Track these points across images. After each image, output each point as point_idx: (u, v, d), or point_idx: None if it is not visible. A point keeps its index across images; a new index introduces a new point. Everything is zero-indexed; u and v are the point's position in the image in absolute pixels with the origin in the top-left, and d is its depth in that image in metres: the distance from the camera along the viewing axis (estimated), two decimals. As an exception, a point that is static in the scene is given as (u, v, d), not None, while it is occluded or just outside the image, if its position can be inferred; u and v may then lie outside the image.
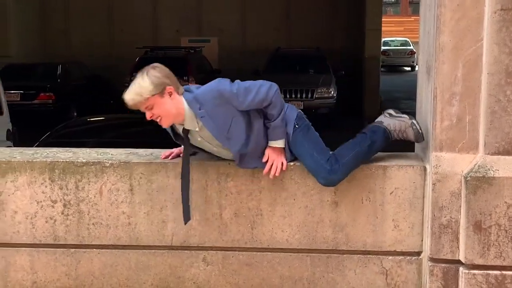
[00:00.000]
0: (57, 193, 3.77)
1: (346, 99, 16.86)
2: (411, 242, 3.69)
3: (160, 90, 3.36)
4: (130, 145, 4.17)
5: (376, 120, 3.74)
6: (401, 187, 3.65)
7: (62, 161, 3.77)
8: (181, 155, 3.77)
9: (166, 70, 3.46)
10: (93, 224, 3.79)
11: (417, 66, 4.54)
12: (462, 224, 3.49)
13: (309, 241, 3.73)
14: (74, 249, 3.84)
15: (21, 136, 10.17)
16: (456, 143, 3.48)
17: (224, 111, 3.42)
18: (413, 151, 3.98)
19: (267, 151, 3.60)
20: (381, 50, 23.02)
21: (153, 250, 3.81)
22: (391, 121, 3.67)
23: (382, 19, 19.68)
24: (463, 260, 3.51)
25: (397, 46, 34.42)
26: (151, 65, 3.45)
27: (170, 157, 3.77)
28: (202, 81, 17.56)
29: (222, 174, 3.70)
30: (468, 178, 3.43)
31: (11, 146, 8.98)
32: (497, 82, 3.39)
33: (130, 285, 3.85)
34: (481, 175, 3.41)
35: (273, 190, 3.69)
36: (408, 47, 34.00)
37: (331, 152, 3.59)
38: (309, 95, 15.45)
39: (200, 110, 3.41)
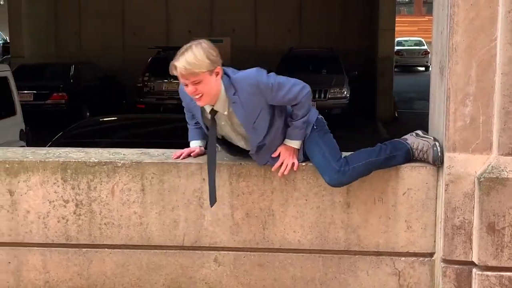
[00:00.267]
0: (69, 193, 3.78)
1: (359, 100, 16.82)
2: (424, 243, 3.67)
3: (213, 68, 3.34)
4: (142, 146, 4.18)
5: (402, 137, 3.73)
6: (414, 188, 3.63)
7: (74, 161, 3.78)
8: (192, 154, 3.77)
9: (216, 49, 3.41)
10: (105, 224, 3.79)
11: (430, 66, 4.52)
12: (475, 225, 3.47)
13: (321, 242, 3.72)
14: (86, 249, 3.85)
15: (34, 136, 10.21)
16: (469, 143, 3.46)
17: (256, 101, 3.42)
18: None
19: (280, 148, 3.60)
20: (395, 50, 22.95)
21: (165, 250, 3.81)
22: (415, 140, 3.66)
23: (396, 19, 19.60)
24: (476, 262, 3.49)
25: (411, 46, 34.30)
26: (202, 40, 3.39)
27: (181, 157, 3.77)
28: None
29: (233, 175, 3.69)
30: (482, 179, 3.40)
31: (24, 146, 9.01)
32: (511, 83, 3.36)
33: (142, 285, 3.85)
34: (494, 176, 3.38)
35: (285, 191, 3.68)
36: (422, 47, 33.87)
37: (344, 156, 3.57)
38: (322, 96, 15.43)
39: (234, 95, 3.40)
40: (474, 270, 3.52)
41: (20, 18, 18.97)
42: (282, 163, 3.59)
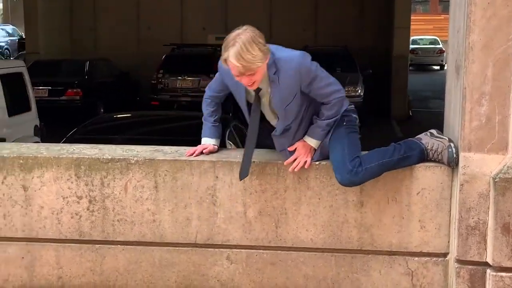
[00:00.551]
0: (82, 189, 3.79)
1: (373, 98, 16.76)
2: (438, 243, 3.65)
3: (266, 58, 3.33)
4: (155, 142, 4.18)
5: (416, 137, 3.70)
6: (428, 188, 3.60)
7: (88, 158, 3.79)
8: (204, 151, 3.75)
9: (261, 34, 3.36)
10: (118, 220, 3.80)
11: (446, 65, 4.48)
12: (490, 225, 3.44)
13: (334, 241, 3.70)
14: (99, 245, 3.85)
15: (49, 132, 10.27)
16: (485, 143, 3.43)
17: (294, 84, 3.42)
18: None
19: (298, 144, 3.60)
20: (410, 48, 22.85)
21: (177, 248, 3.81)
22: (430, 140, 3.63)
23: (411, 17, 19.52)
24: (490, 262, 3.46)
25: (426, 44, 34.14)
26: (246, 29, 3.32)
27: (194, 154, 3.77)
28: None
29: (247, 172, 3.68)
30: (497, 179, 3.37)
31: (38, 142, 9.06)
32: (528, 82, 3.33)
33: (154, 282, 3.85)
34: (510, 176, 3.35)
35: (298, 189, 3.67)
36: (437, 46, 33.71)
37: (358, 156, 3.55)
38: (336, 94, 15.37)
39: (274, 74, 3.40)
40: (488, 271, 3.49)
41: (35, 14, 19.07)
42: (296, 159, 3.58)
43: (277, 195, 3.69)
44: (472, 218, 3.47)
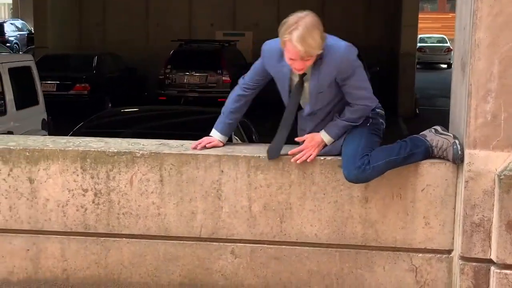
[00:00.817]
0: (88, 182, 3.80)
1: (380, 96, 16.63)
2: (442, 240, 3.65)
3: (323, 46, 3.36)
4: (162, 137, 4.19)
5: (420, 133, 3.70)
6: (433, 184, 3.60)
7: (94, 151, 3.80)
8: (207, 145, 3.75)
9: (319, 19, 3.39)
10: (123, 213, 3.81)
11: (452, 62, 4.48)
12: (494, 223, 3.44)
13: (338, 236, 3.71)
14: (104, 238, 3.87)
15: (56, 126, 10.31)
16: (490, 140, 3.42)
17: (332, 73, 3.43)
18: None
19: (308, 136, 3.62)
20: (417, 46, 22.79)
21: (182, 241, 3.82)
22: (435, 137, 3.62)
23: (419, 16, 19.46)
24: (494, 260, 3.46)
25: (434, 43, 34.06)
26: (310, 13, 3.40)
27: (199, 147, 3.77)
28: (235, 75, 17.55)
29: (252, 167, 3.69)
30: (502, 177, 3.37)
31: (45, 135, 9.10)
32: (534, 80, 3.32)
33: (158, 275, 3.87)
34: (515, 174, 3.35)
35: (303, 184, 3.68)
36: (445, 44, 33.63)
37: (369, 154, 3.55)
38: (343, 91, 15.35)
39: (319, 59, 3.41)
40: (492, 268, 3.49)
41: (45, 9, 19.13)
42: (302, 151, 3.59)
43: (282, 189, 3.69)
44: (477, 215, 3.47)
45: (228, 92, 3.98)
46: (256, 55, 3.83)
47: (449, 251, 3.67)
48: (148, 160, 3.75)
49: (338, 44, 3.45)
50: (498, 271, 3.46)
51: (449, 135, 3.61)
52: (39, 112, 9.92)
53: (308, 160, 3.59)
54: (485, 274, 3.52)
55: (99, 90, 15.92)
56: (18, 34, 31.54)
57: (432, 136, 3.64)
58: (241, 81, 3.81)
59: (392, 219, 3.66)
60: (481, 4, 3.33)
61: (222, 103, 3.94)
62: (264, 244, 3.77)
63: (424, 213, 3.63)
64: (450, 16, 37.15)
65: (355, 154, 3.48)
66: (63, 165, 3.80)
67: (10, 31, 31.27)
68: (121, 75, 17.42)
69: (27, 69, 9.73)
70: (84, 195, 3.82)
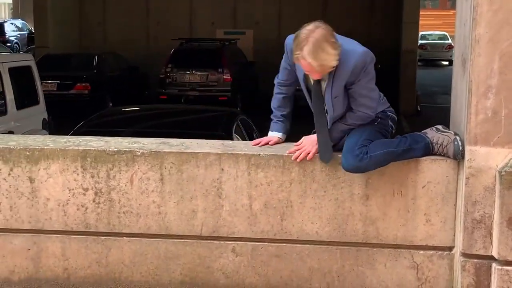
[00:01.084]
0: (88, 181, 3.80)
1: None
2: (443, 237, 3.64)
3: (339, 55, 3.36)
4: (163, 136, 4.18)
5: (422, 131, 3.70)
6: (434, 181, 3.59)
7: (94, 150, 3.80)
8: (269, 142, 3.78)
9: (330, 27, 3.38)
10: (123, 212, 3.81)
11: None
12: (495, 219, 3.43)
13: (339, 234, 3.70)
14: (104, 237, 3.87)
15: (57, 125, 10.30)
16: (491, 137, 3.42)
17: (345, 79, 3.43)
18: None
19: (303, 138, 3.65)
20: (419, 44, 22.75)
21: (183, 240, 3.81)
22: (435, 134, 3.63)
23: (420, 13, 19.43)
24: (496, 256, 3.45)
25: (435, 40, 34.01)
26: (317, 26, 3.34)
27: (259, 145, 3.79)
28: (236, 74, 17.51)
29: (252, 165, 3.68)
30: (503, 173, 3.36)
31: (46, 135, 9.09)
32: (535, 75, 3.31)
33: (159, 274, 3.86)
34: (516, 170, 3.34)
35: (304, 182, 3.67)
36: (446, 41, 33.58)
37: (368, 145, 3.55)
38: (344, 89, 15.34)
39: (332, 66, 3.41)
40: (493, 264, 3.49)
41: (45, 8, 19.11)
42: (298, 150, 3.62)
43: (283, 187, 3.69)
44: (478, 212, 3.46)
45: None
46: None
47: (450, 248, 3.66)
48: (148, 158, 3.75)
49: (355, 49, 3.44)
50: (500, 267, 3.46)
51: (450, 132, 3.60)
52: (39, 111, 9.91)
53: (308, 158, 3.60)
54: (487, 271, 3.51)
55: (100, 89, 15.91)
56: (19, 34, 31.54)
57: (433, 133, 3.63)
58: (276, 80, 3.84)
59: (393, 216, 3.65)
60: (481, 0, 3.32)
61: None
62: (265, 242, 3.77)
63: (425, 210, 3.62)
64: (451, 13, 37.04)
65: (354, 144, 3.50)
66: (64, 165, 3.80)
67: (11, 31, 31.26)
68: (122, 74, 17.40)
69: (28, 68, 9.72)
70: (84, 194, 3.81)
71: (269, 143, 3.81)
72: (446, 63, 32.60)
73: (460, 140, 3.51)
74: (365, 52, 3.45)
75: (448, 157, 3.56)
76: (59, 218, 3.85)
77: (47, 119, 10.02)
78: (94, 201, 3.82)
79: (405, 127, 15.16)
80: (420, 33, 26.58)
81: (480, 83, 3.39)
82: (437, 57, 33.00)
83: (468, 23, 3.46)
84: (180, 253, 3.84)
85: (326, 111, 3.59)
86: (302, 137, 3.72)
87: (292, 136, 3.85)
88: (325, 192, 3.67)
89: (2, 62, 9.02)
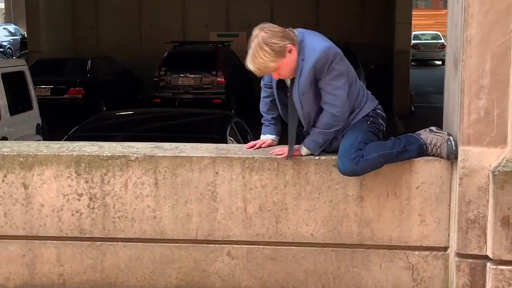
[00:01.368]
0: (83, 187, 3.80)
1: (375, 93, 16.58)
2: (438, 237, 3.65)
3: (283, 54, 3.39)
4: (157, 140, 4.18)
5: (415, 132, 3.71)
6: (428, 182, 3.60)
7: (88, 155, 3.80)
8: (263, 145, 3.81)
9: (276, 29, 3.43)
10: (118, 217, 3.80)
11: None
12: (489, 219, 3.44)
13: (334, 236, 3.71)
14: (99, 242, 3.86)
15: (51, 130, 10.28)
16: (483, 137, 3.43)
17: (309, 73, 3.45)
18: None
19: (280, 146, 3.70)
20: (412, 44, 22.79)
21: (178, 244, 3.81)
22: (429, 135, 3.64)
23: (413, 13, 19.47)
24: (490, 256, 3.46)
25: (428, 39, 34.09)
26: (262, 29, 3.40)
27: (254, 148, 3.81)
28: (230, 76, 17.46)
29: (247, 168, 3.69)
30: (496, 173, 3.37)
31: (40, 140, 9.07)
32: (526, 75, 3.33)
33: (155, 279, 3.86)
34: (509, 170, 3.36)
35: (298, 184, 3.68)
36: (439, 41, 33.64)
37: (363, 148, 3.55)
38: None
39: (302, 61, 3.44)
40: (488, 264, 3.50)
41: (37, 13, 19.06)
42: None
43: (277, 190, 3.69)
44: (472, 212, 3.47)
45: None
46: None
47: (445, 248, 3.67)
48: (143, 163, 3.75)
49: (317, 45, 3.46)
50: (494, 267, 3.47)
51: (443, 133, 3.62)
52: (33, 117, 9.89)
53: (281, 157, 3.64)
54: (481, 270, 3.52)
55: (94, 93, 15.87)
56: (11, 39, 31.50)
57: (427, 134, 3.65)
58: (262, 83, 3.86)
59: (387, 217, 3.66)
60: (472, 1, 3.34)
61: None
62: (260, 245, 3.77)
63: (419, 210, 3.63)
64: (444, 13, 37.02)
65: (350, 148, 3.50)
66: (57, 170, 3.79)
67: (3, 36, 31.24)
68: (116, 78, 17.36)
69: (21, 74, 9.70)
70: (79, 200, 3.81)
71: (263, 145, 3.82)
72: (439, 62, 32.64)
73: (454, 140, 3.52)
74: (327, 48, 3.46)
75: (442, 157, 3.57)
76: (53, 224, 3.84)
77: (41, 124, 10.00)
78: (88, 206, 3.81)
79: (399, 126, 15.18)
80: (413, 33, 26.65)
81: (472, 84, 3.40)
82: (430, 57, 33.08)
83: (459, 24, 3.47)
84: (175, 257, 3.84)
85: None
86: None
87: (285, 138, 3.85)
88: (319, 194, 3.67)
89: (-5, 68, 9.00)
